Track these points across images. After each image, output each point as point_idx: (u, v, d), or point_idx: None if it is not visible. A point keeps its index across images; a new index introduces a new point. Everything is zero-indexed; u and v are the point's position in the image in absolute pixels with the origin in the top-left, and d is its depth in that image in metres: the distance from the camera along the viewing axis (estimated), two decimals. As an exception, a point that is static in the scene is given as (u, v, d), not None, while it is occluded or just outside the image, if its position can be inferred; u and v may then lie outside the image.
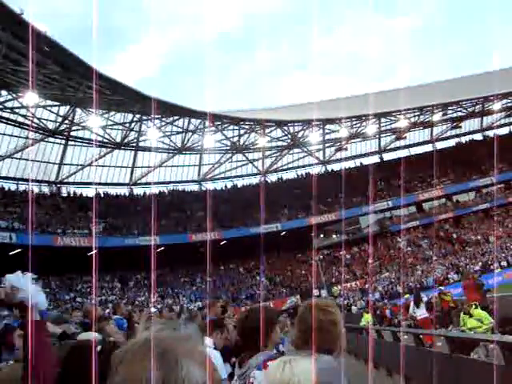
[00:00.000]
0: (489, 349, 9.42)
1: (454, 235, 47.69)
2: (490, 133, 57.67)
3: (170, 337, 1.06)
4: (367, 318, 21.37)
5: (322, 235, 48.44)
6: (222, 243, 40.81)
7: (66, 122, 39.47)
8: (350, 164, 56.16)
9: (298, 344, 2.53)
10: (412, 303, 18.05)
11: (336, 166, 55.65)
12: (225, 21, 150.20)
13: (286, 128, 49.93)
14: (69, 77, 31.72)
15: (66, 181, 43.68)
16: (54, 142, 41.11)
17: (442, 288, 20.26)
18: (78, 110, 38.76)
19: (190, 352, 1.05)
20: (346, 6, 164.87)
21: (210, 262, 38.70)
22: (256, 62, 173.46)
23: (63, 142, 41.57)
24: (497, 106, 52.41)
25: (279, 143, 52.30)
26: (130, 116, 42.00)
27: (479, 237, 46.40)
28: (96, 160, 44.26)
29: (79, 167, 43.49)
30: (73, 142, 42.10)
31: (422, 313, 17.05)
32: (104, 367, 1.95)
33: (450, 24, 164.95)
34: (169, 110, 39.88)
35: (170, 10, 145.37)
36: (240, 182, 53.38)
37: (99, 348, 2.03)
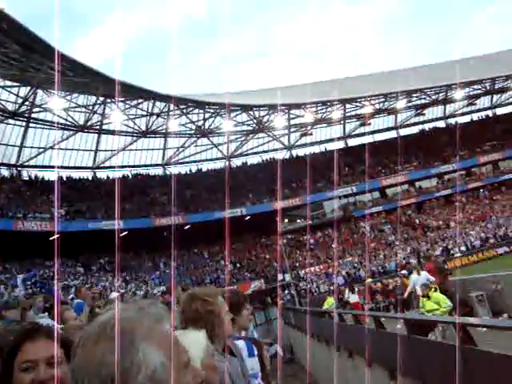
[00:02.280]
0: (445, 330, 9.66)
1: (417, 220, 48.48)
2: (453, 120, 58.69)
3: (129, 317, 1.02)
4: (330, 302, 21.64)
5: (286, 220, 48.72)
6: (186, 227, 40.70)
7: (27, 103, 38.48)
8: (315, 149, 56.47)
9: None
10: (347, 290, 21.05)
11: (301, 151, 55.99)
12: (189, 5, 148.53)
13: (251, 112, 49.83)
14: (29, 57, 30.86)
15: (26, 164, 42.76)
16: (14, 124, 40.10)
17: (404, 272, 20.61)
18: (40, 92, 37.88)
19: (149, 333, 1.00)
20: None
21: (174, 246, 38.54)
22: (219, 47, 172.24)
23: (24, 124, 40.61)
24: (459, 94, 53.32)
25: (244, 128, 52.19)
26: (93, 98, 41.28)
27: (440, 222, 47.26)
28: (58, 143, 43.48)
29: (41, 150, 42.58)
30: (34, 125, 41.17)
31: (354, 298, 20.06)
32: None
33: (414, 13, 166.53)
34: (133, 92, 39.34)
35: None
36: (205, 167, 53.25)
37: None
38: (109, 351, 0.95)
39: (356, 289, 21.79)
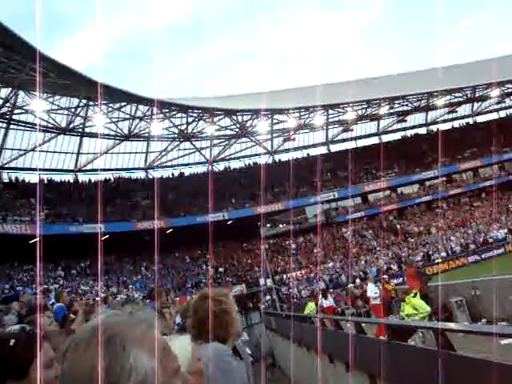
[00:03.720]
0: (425, 335, 9.74)
1: (398, 226, 48.82)
2: (434, 127, 59.24)
3: (120, 322, 1.01)
4: (311, 307, 21.68)
5: (268, 225, 48.76)
6: (168, 231, 40.53)
7: (8, 104, 38.07)
8: (298, 154, 56.66)
9: (193, 334, 2.55)
10: (320, 296, 21.81)
11: (283, 157, 56.10)
12: (173, 10, 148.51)
13: (234, 117, 49.84)
14: (10, 57, 30.52)
15: (7, 166, 42.30)
16: (-6, 126, 39.71)
17: (385, 277, 20.83)
18: (21, 93, 37.51)
19: (140, 338, 1.00)
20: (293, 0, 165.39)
21: (156, 250, 38.35)
22: (203, 52, 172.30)
23: (4, 125, 40.17)
24: (441, 101, 53.92)
25: (227, 132, 52.19)
26: (75, 101, 40.96)
27: (421, 228, 47.67)
28: (40, 145, 43.07)
29: (22, 152, 42.12)
30: (15, 126, 40.74)
31: (328, 303, 20.98)
32: (19, 360, 1.92)
33: (397, 21, 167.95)
34: (116, 95, 39.15)
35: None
36: (187, 171, 53.10)
37: (12, 342, 1.99)
38: (99, 356, 0.95)
39: (329, 294, 23.04)
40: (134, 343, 0.99)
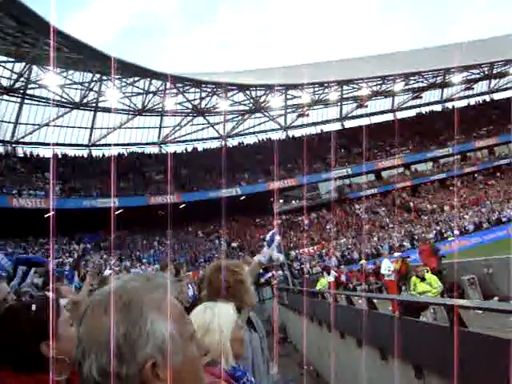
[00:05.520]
0: (437, 312, 9.76)
1: (411, 203, 48.62)
2: (450, 105, 58.55)
3: (137, 287, 1.02)
4: (323, 283, 21.78)
5: (281, 200, 48.78)
6: (181, 206, 40.71)
7: (22, 79, 38.09)
8: (311, 130, 56.40)
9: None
10: (324, 273, 24.22)
11: (297, 132, 55.89)
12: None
13: (248, 92, 49.60)
14: (24, 32, 30.48)
15: (21, 141, 42.53)
16: (8, 100, 39.73)
17: (402, 254, 21.09)
18: (35, 68, 37.51)
19: (157, 303, 1.00)
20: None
21: (169, 225, 38.58)
22: (217, 26, 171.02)
23: (19, 100, 40.29)
24: (457, 78, 53.15)
25: (241, 107, 51.99)
26: (89, 75, 40.93)
27: (435, 206, 47.44)
28: (54, 120, 43.19)
29: (36, 127, 42.32)
30: (29, 101, 40.84)
31: (331, 278, 22.23)
32: (39, 327, 2.01)
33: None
34: (129, 70, 39.05)
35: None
36: (200, 146, 53.11)
37: (34, 307, 2.08)
38: (117, 321, 0.96)
39: (332, 271, 24.34)
40: (152, 308, 0.99)
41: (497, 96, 59.30)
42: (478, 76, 55.46)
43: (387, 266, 17.49)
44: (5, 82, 37.68)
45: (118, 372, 0.94)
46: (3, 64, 36.32)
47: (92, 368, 0.96)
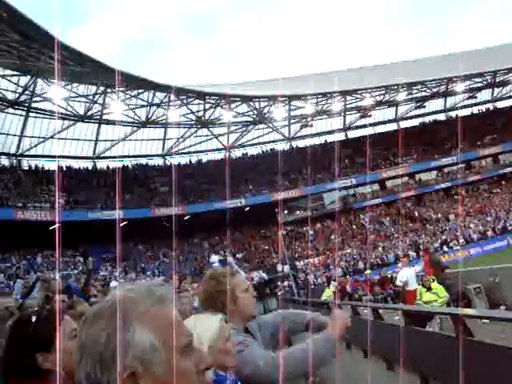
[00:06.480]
0: (443, 321, 9.71)
1: (416, 213, 48.50)
2: (453, 113, 58.49)
3: (132, 297, 1.02)
4: (328, 293, 21.72)
5: (285, 211, 48.74)
6: (185, 218, 40.72)
7: (27, 92, 38.35)
8: (315, 141, 56.39)
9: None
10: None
11: (301, 143, 55.88)
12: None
13: (251, 103, 49.71)
14: (29, 46, 30.69)
15: (26, 153, 42.72)
16: (14, 114, 39.99)
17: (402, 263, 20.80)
18: (40, 81, 37.75)
19: (144, 314, 1.00)
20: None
21: (174, 236, 38.57)
22: (217, 39, 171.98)
23: (24, 113, 40.53)
24: (460, 87, 53.13)
25: (244, 118, 52.10)
26: (93, 88, 41.14)
27: (439, 215, 47.31)
28: (58, 132, 43.39)
29: (41, 140, 42.53)
30: (34, 114, 41.10)
31: (332, 288, 22.70)
32: (36, 338, 2.06)
33: (414, 6, 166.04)
34: (133, 82, 39.24)
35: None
36: (205, 157, 53.20)
37: (34, 319, 2.16)
38: (103, 330, 0.97)
39: (332, 281, 25.39)
40: (137, 318, 0.99)
41: (500, 104, 59.25)
42: (481, 84, 55.44)
43: (408, 275, 15.11)
44: (10, 96, 37.95)
45: (100, 379, 0.96)
46: (9, 78, 36.62)
47: (81, 375, 0.98)
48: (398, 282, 16.08)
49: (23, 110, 40.21)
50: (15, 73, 36.26)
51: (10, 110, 39.51)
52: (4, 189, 36.78)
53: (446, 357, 5.60)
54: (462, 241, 41.23)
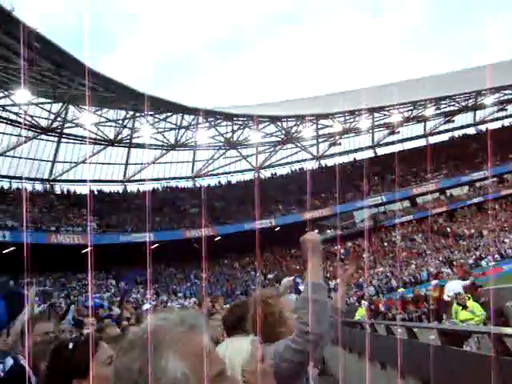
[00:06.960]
0: (480, 340, 9.50)
1: (448, 229, 47.81)
2: (483, 127, 57.80)
3: (164, 327, 1.04)
4: (361, 312, 21.44)
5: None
6: (216, 239, 40.81)
7: (59, 119, 39.30)
8: (344, 159, 56.28)
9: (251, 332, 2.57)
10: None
11: (330, 161, 55.77)
12: (213, 24, 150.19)
13: (279, 123, 49.91)
14: (61, 74, 31.51)
15: (59, 178, 43.57)
16: (46, 140, 40.94)
17: (435, 282, 20.37)
18: (71, 107, 38.62)
19: (176, 342, 1.01)
20: (331, 5, 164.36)
21: (204, 258, 38.68)
22: (246, 60, 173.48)
23: (56, 139, 41.42)
24: (489, 100, 52.57)
25: (273, 139, 52.26)
26: (123, 113, 41.86)
27: (473, 230, 46.54)
28: (89, 157, 44.16)
29: (73, 164, 43.37)
30: (66, 140, 41.99)
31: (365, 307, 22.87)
32: (72, 364, 2.12)
33: (438, 22, 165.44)
34: (162, 106, 39.80)
35: (157, 12, 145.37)
36: (234, 178, 53.46)
37: (71, 345, 2.22)
38: (136, 359, 1.00)
39: (362, 300, 26.21)
40: (168, 346, 1.01)
41: (532, 116, 58.36)
42: (510, 96, 54.71)
43: (454, 289, 14.20)
44: (43, 123, 38.87)
45: None
46: (42, 105, 37.60)
47: None
48: (445, 297, 15.59)
49: (55, 136, 41.10)
50: (48, 100, 37.20)
51: (43, 137, 40.43)
52: (38, 213, 37.42)
53: (484, 377, 5.47)
54: (496, 256, 40.46)
